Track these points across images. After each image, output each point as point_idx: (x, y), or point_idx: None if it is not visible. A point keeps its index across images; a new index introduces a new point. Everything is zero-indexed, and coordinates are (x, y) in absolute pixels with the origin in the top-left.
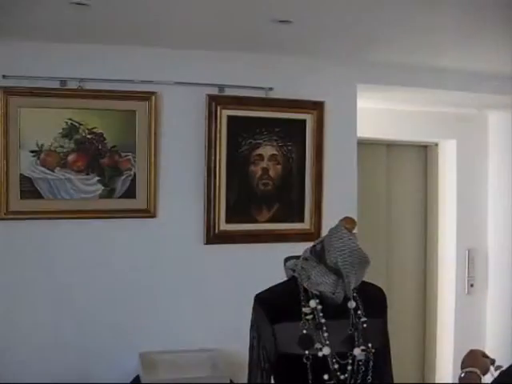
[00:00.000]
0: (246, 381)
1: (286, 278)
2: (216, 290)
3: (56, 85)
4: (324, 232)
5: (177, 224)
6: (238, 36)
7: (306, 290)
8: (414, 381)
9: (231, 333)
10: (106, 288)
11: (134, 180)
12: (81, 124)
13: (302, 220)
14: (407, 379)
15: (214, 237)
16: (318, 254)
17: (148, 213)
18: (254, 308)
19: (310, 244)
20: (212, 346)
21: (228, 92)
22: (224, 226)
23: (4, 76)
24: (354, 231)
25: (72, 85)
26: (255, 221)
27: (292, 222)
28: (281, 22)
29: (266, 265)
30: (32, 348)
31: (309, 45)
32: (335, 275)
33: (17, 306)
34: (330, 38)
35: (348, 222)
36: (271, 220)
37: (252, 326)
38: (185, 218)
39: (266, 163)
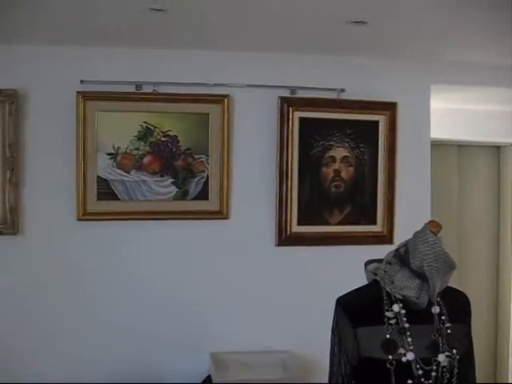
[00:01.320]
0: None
1: (362, 282)
2: (287, 292)
3: (132, 89)
4: (397, 234)
5: (249, 226)
6: (312, 38)
7: (388, 294)
8: (486, 380)
9: (302, 335)
10: (179, 288)
11: (206, 182)
12: (155, 127)
13: (374, 222)
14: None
15: (285, 239)
16: (402, 258)
17: (221, 214)
18: (335, 311)
19: (382, 247)
20: (283, 348)
21: (300, 94)
22: (296, 228)
23: (82, 81)
24: (439, 235)
25: (147, 89)
26: (327, 223)
27: (364, 224)
28: (356, 23)
29: (337, 267)
30: (106, 348)
31: (383, 45)
32: (419, 279)
33: (93, 304)
34: (404, 38)
35: (433, 226)
36: (343, 222)
37: (333, 329)
38: (257, 219)
39: (337, 165)
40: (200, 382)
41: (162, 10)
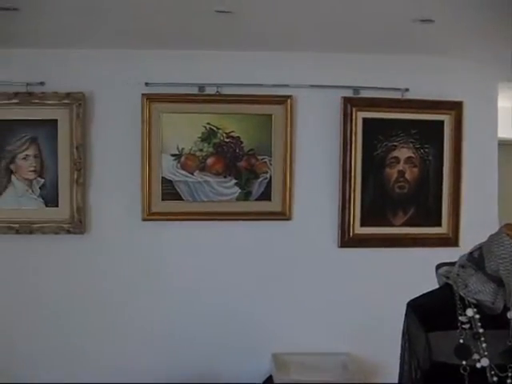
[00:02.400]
0: None
1: (427, 285)
2: (348, 294)
3: (195, 91)
4: (462, 237)
5: (311, 227)
6: (376, 37)
7: (462, 298)
8: None
9: (363, 337)
10: (241, 289)
11: (269, 183)
12: (219, 128)
13: (439, 224)
14: None
15: (348, 240)
16: (476, 261)
17: (283, 215)
18: (406, 315)
19: (448, 249)
20: (343, 350)
21: (363, 94)
22: (359, 230)
23: (146, 84)
24: None
25: (210, 90)
26: (391, 224)
27: (429, 226)
28: (423, 21)
29: (401, 270)
30: (169, 348)
31: (449, 44)
32: (495, 284)
33: (156, 305)
34: (470, 35)
35: (510, 228)
36: (407, 224)
37: (403, 333)
38: (319, 220)
39: (402, 166)
40: (261, 382)
41: (228, 12)
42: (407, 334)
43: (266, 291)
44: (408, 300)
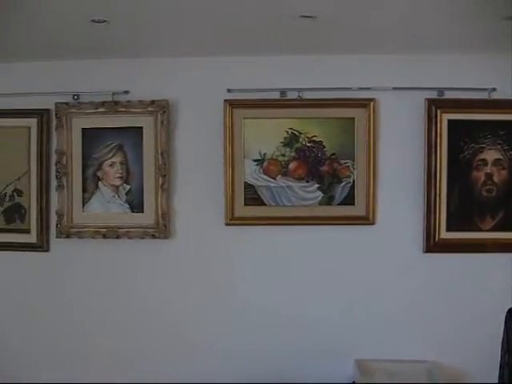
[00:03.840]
0: None
1: None
2: (433, 300)
3: (276, 96)
4: None
5: (395, 231)
6: (461, 37)
7: None
8: None
9: (449, 344)
10: (324, 294)
11: (352, 187)
12: (301, 133)
13: None
14: None
15: (433, 245)
16: None
17: (367, 220)
18: (505, 322)
19: None
20: (429, 358)
21: (448, 95)
22: (444, 235)
23: (229, 90)
24: None
25: (292, 95)
26: (478, 229)
27: None
28: (509, 18)
29: (488, 276)
30: (252, 350)
31: None
32: None
33: (240, 307)
34: None
35: None
36: (496, 228)
37: (502, 341)
38: (404, 225)
39: (489, 168)
40: None
41: (311, 17)
42: (507, 341)
43: (348, 297)
44: (501, 306)
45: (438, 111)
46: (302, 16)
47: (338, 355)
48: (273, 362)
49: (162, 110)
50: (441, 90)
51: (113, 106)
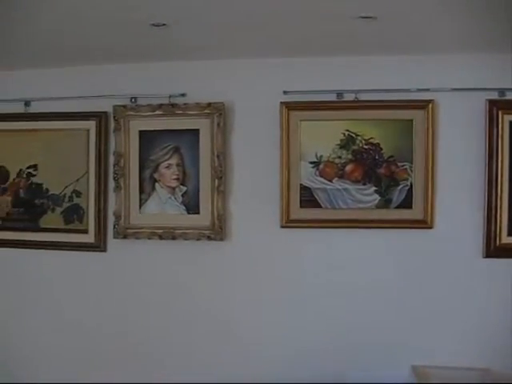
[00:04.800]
0: None
1: None
2: (493, 307)
3: (333, 97)
4: None
5: (454, 235)
6: None
7: None
8: None
9: (503, 353)
10: (379, 298)
11: (410, 190)
12: (358, 135)
13: None
14: None
15: (494, 250)
16: None
17: (424, 223)
18: None
19: None
20: (483, 365)
21: (509, 96)
22: (506, 239)
23: (285, 92)
24: None
25: (348, 97)
26: None
27: None
28: None
29: None
30: (299, 357)
31: None
32: None
33: (289, 309)
34: None
35: None
36: None
37: None
38: (463, 229)
39: None
40: None
41: (372, 18)
42: None
43: (404, 301)
44: None
45: (500, 112)
46: (361, 17)
47: (394, 361)
48: (330, 362)
49: (218, 112)
50: (502, 91)
51: (170, 108)
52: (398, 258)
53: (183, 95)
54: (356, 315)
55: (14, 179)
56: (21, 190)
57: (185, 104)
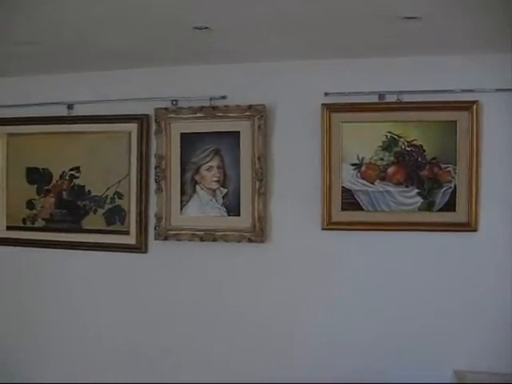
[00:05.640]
0: None
1: None
2: None
3: (375, 99)
4: None
5: (499, 239)
6: None
7: None
8: None
9: None
10: (420, 302)
11: (453, 192)
12: (400, 137)
13: None
14: None
15: None
16: None
17: (468, 227)
18: None
19: None
20: None
21: None
22: None
23: (326, 93)
24: None
25: (391, 98)
26: None
27: None
28: None
29: None
30: (341, 352)
31: None
32: None
33: (332, 312)
34: None
35: None
36: None
37: None
38: (508, 232)
39: None
40: None
41: (417, 18)
42: None
43: (446, 306)
44: None
45: None
46: (405, 17)
47: (437, 365)
48: (371, 363)
49: (259, 114)
50: None
51: (211, 110)
52: (440, 261)
53: (224, 97)
54: (397, 318)
55: (57, 181)
56: (64, 192)
57: (226, 106)
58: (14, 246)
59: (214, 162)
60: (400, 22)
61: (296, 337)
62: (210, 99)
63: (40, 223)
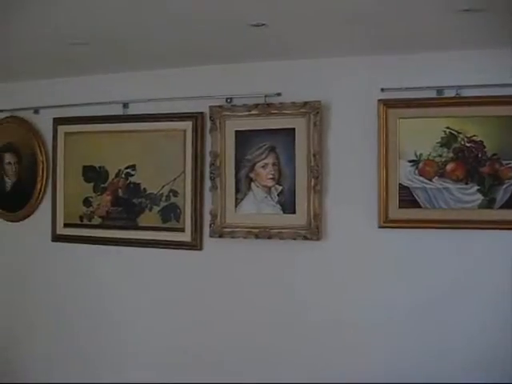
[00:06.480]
0: None
1: None
2: None
3: (433, 94)
4: None
5: None
6: None
7: None
8: None
9: None
10: (479, 305)
11: None
12: (459, 132)
13: None
14: None
15: None
16: None
17: None
18: None
19: None
20: None
21: None
22: None
23: (382, 89)
24: None
25: (449, 93)
26: None
27: None
28: None
29: None
30: (395, 352)
31: None
32: None
33: (389, 313)
34: None
35: None
36: None
37: None
38: None
39: None
40: None
41: (473, 10)
42: None
43: (505, 308)
44: None
45: None
46: (463, 10)
47: (495, 369)
48: (427, 364)
49: (314, 111)
50: None
51: (265, 108)
52: (501, 259)
53: (279, 94)
54: (456, 319)
55: (113, 179)
56: (120, 190)
57: (280, 103)
58: (71, 242)
59: (269, 160)
60: (456, 15)
61: (351, 336)
62: (265, 96)
63: (96, 220)
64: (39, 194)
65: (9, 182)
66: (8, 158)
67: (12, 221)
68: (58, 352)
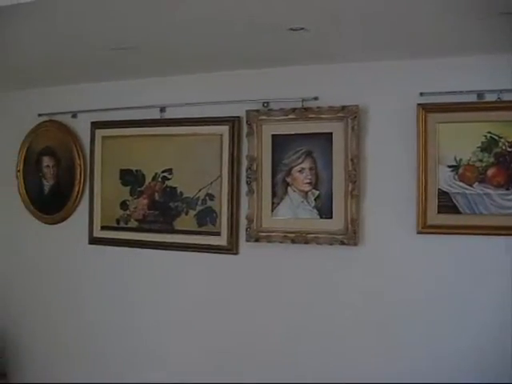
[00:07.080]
0: None
1: None
2: None
3: (473, 98)
4: None
5: None
6: None
7: None
8: None
9: None
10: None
11: None
12: (500, 137)
13: None
14: None
15: None
16: None
17: None
18: None
19: None
20: None
21: None
22: None
23: (421, 93)
24: None
25: (490, 97)
26: None
27: None
28: None
29: None
30: (426, 353)
31: None
32: None
33: (421, 317)
34: None
35: None
36: None
37: None
38: None
39: None
40: None
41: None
42: None
43: None
44: None
45: None
46: (503, 13)
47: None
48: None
49: (352, 115)
50: None
51: (303, 112)
52: None
53: (316, 99)
54: (498, 328)
55: (149, 183)
56: (156, 194)
57: (318, 108)
58: (107, 245)
59: (306, 164)
60: (499, 17)
61: (388, 341)
62: (302, 100)
63: (133, 224)
64: (77, 196)
65: (47, 185)
66: (46, 161)
67: (49, 223)
68: (87, 352)
